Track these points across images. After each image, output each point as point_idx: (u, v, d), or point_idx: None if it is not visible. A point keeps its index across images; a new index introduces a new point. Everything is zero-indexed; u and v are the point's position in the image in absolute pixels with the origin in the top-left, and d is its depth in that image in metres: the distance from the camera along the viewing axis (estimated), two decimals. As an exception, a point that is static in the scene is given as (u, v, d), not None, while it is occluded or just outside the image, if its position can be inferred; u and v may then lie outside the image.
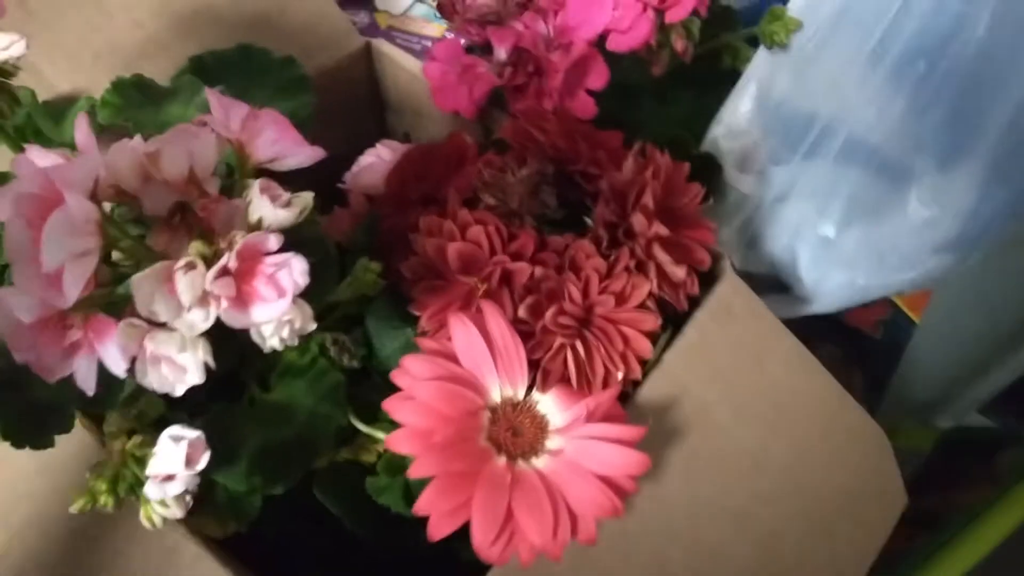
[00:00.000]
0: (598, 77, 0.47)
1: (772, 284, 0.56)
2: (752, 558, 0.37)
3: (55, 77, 0.44)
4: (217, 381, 0.39)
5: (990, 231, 0.47)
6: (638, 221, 0.36)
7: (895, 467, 0.42)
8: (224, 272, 0.27)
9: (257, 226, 0.29)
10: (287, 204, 0.29)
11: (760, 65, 0.51)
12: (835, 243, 0.50)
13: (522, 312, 0.34)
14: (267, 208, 0.28)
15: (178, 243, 0.29)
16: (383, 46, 0.50)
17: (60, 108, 0.42)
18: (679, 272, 0.36)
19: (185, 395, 0.29)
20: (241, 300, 0.27)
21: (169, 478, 0.29)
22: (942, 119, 0.44)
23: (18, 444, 0.31)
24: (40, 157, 0.27)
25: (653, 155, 0.38)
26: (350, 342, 0.39)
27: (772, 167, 0.51)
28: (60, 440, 0.32)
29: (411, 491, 0.37)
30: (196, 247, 0.28)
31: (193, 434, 0.29)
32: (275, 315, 0.28)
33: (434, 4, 0.62)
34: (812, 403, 0.41)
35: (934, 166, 0.45)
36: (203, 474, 0.32)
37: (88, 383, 0.27)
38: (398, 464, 0.37)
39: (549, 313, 0.34)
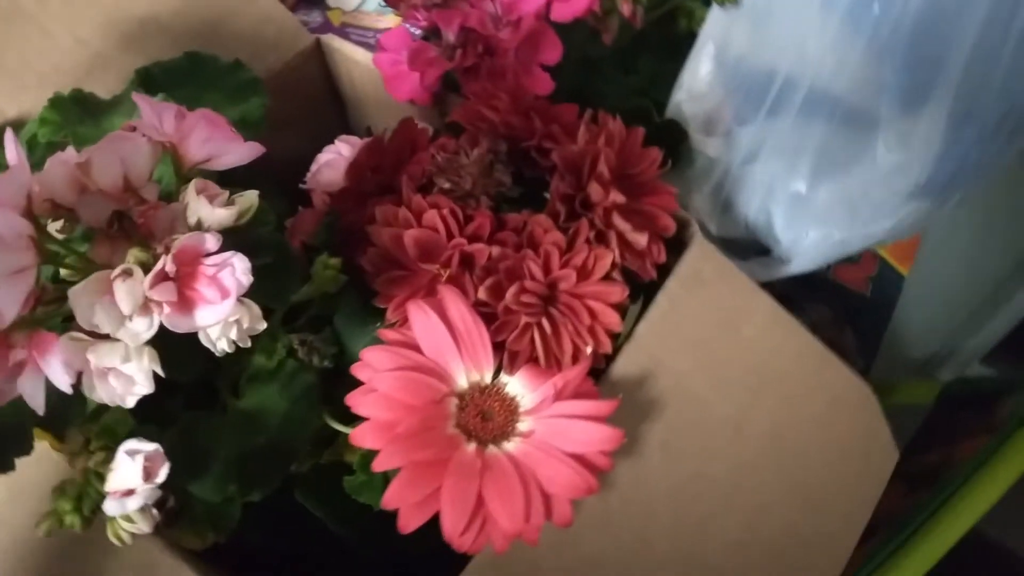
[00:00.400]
0: (551, 51, 0.46)
1: (752, 247, 0.55)
2: (739, 530, 0.37)
3: (0, 102, 0.43)
4: (192, 390, 0.39)
5: (962, 173, 0.46)
6: (594, 191, 0.35)
7: (884, 424, 0.41)
8: (162, 277, 0.26)
9: (197, 228, 0.28)
10: (227, 203, 0.29)
11: (715, 25, 0.50)
12: (808, 199, 0.49)
13: (482, 294, 0.33)
14: (205, 209, 0.28)
15: (120, 253, 0.28)
16: (333, 41, 0.50)
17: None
18: (641, 240, 0.35)
19: (157, 407, 0.29)
20: (183, 304, 0.27)
21: (129, 493, 0.28)
22: (901, 61, 0.43)
23: (-23, 468, 0.30)
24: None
25: (605, 122, 0.37)
26: (318, 342, 0.38)
27: (737, 128, 0.50)
28: (30, 463, 0.31)
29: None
30: (134, 254, 0.27)
31: (150, 447, 0.29)
32: (220, 317, 0.27)
33: (387, -3, 0.61)
34: (793, 365, 0.41)
35: (898, 110, 0.45)
36: (176, 485, 0.32)
37: (36, 402, 0.27)
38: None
39: (510, 292, 0.33)
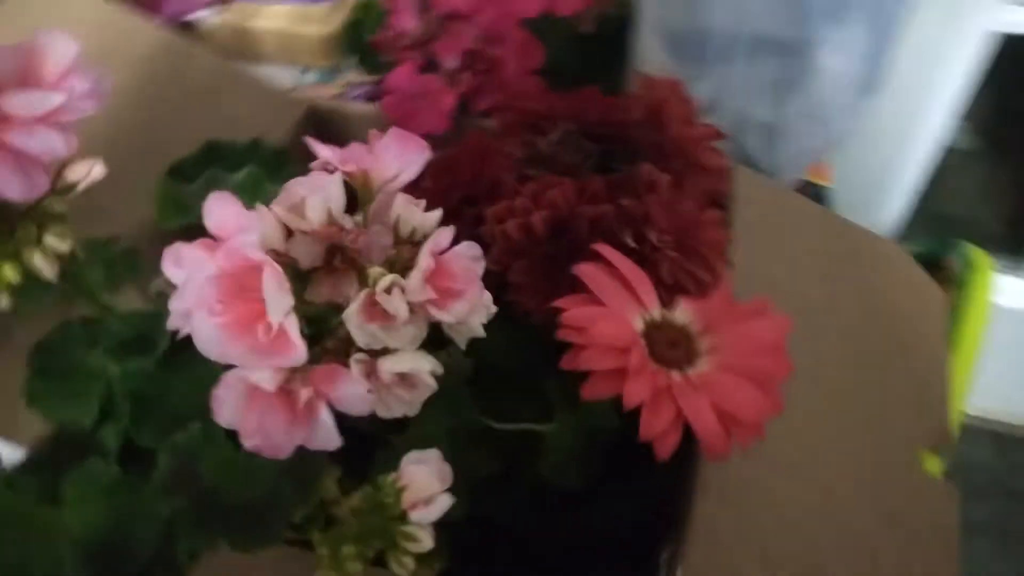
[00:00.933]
0: (536, 57, 0.51)
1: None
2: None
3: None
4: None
5: (886, 66, 0.55)
6: (679, 130, 0.39)
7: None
8: (426, 276, 0.27)
9: (411, 236, 0.30)
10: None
11: (650, 5, 0.57)
12: (776, 124, 0.56)
13: (630, 241, 0.37)
14: (417, 215, 0.29)
15: (341, 286, 0.29)
16: (323, 105, 0.51)
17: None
18: (720, 161, 0.40)
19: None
20: (443, 299, 0.28)
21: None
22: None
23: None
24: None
25: (652, 84, 0.42)
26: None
27: (696, 83, 0.57)
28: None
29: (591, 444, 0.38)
30: (376, 272, 0.28)
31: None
32: (474, 301, 0.28)
33: (326, 64, 0.64)
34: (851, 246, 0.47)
35: (831, 25, 0.53)
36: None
37: (332, 438, 0.27)
38: (567, 433, 0.38)
39: (652, 234, 0.37)
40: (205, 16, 0.62)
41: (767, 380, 0.35)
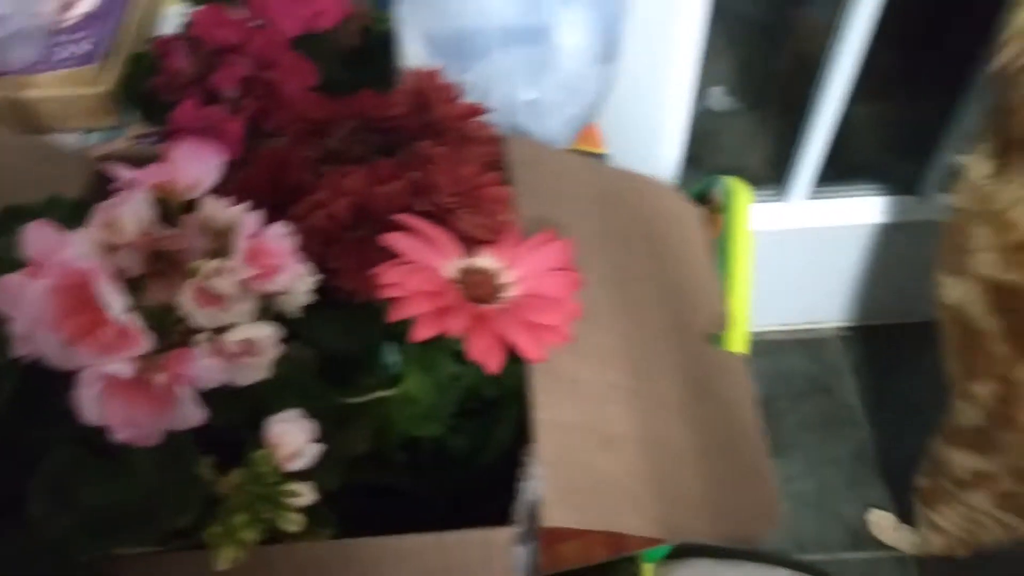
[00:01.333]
0: (309, 75, 0.55)
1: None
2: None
3: None
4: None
5: (619, 39, 0.65)
6: (444, 110, 0.45)
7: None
8: (245, 257, 0.31)
9: (225, 230, 0.33)
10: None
11: (407, 13, 0.63)
12: (541, 100, 0.64)
13: (420, 207, 0.42)
14: (226, 211, 0.33)
15: (173, 286, 0.32)
16: (115, 154, 0.53)
17: None
18: (489, 131, 0.47)
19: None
20: (266, 274, 0.32)
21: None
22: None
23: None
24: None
25: (413, 76, 0.48)
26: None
27: (463, 76, 0.64)
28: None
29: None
30: (199, 263, 0.31)
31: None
32: (294, 270, 0.33)
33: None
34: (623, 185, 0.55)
35: (562, 9, 0.61)
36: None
37: (196, 414, 0.30)
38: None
39: (440, 198, 0.42)
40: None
41: (563, 292, 0.41)
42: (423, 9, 0.63)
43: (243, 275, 0.31)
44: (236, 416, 0.35)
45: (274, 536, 0.35)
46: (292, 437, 0.32)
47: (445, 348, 0.44)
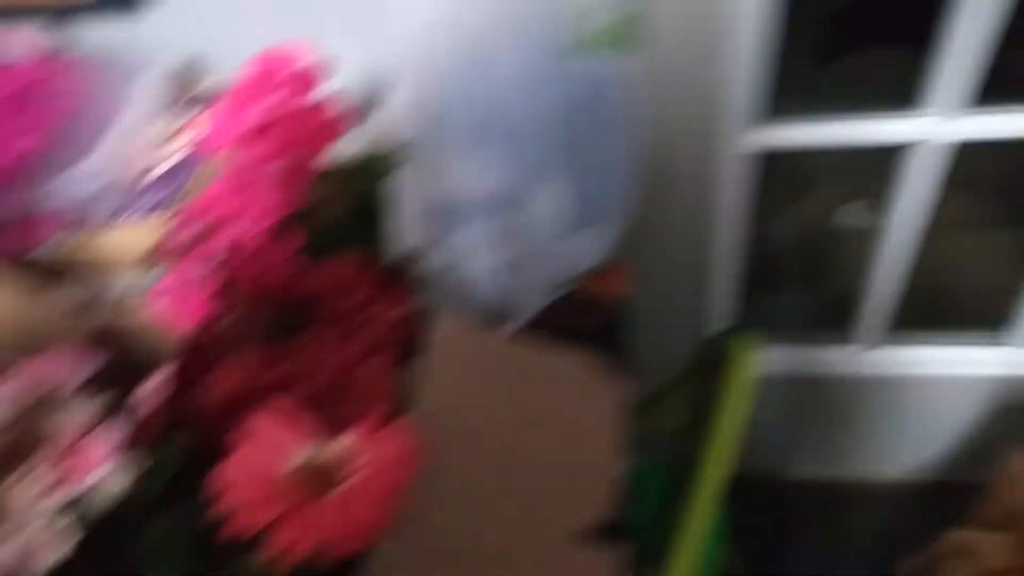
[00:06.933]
0: (294, 243, 0.63)
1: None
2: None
3: None
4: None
5: (611, 205, 0.67)
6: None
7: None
8: (52, 465, 0.38)
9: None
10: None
11: (407, 183, 0.69)
12: (516, 263, 0.67)
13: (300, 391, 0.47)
14: (71, 414, 0.40)
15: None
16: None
17: None
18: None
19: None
20: (78, 475, 0.38)
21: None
22: (523, 155, 0.64)
23: None
24: None
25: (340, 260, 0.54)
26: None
27: (450, 238, 0.69)
28: None
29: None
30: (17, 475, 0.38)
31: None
32: (108, 469, 0.39)
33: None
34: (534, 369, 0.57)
35: (541, 182, 0.65)
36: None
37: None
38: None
39: (309, 385, 0.47)
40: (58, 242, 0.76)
41: (395, 485, 0.45)
42: (423, 180, 0.69)
43: (54, 478, 0.37)
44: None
45: None
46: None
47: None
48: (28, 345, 0.57)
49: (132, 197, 0.80)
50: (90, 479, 0.38)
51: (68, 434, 0.39)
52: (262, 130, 0.63)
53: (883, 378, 1.17)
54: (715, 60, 0.89)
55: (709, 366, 0.80)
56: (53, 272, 0.71)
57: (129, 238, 0.77)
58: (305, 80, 0.67)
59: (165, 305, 0.61)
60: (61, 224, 0.77)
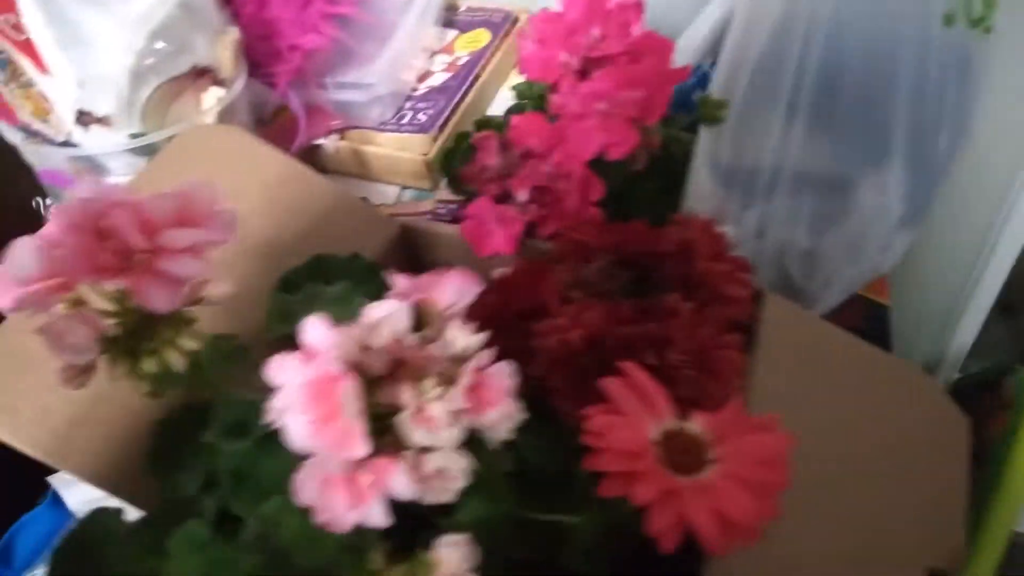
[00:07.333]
0: (597, 190, 0.59)
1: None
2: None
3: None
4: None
5: (927, 204, 0.60)
6: (704, 267, 0.46)
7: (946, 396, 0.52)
8: (466, 390, 0.35)
9: (461, 353, 0.37)
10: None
11: (705, 143, 0.64)
12: (815, 252, 0.61)
13: (650, 360, 0.43)
14: (467, 338, 0.37)
15: (399, 392, 0.37)
16: (418, 224, 0.60)
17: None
18: (742, 292, 0.46)
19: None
20: (478, 408, 0.35)
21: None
22: (859, 133, 0.57)
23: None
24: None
25: (686, 222, 0.49)
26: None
27: (742, 213, 0.63)
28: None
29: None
30: (428, 385, 0.36)
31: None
32: (506, 412, 0.36)
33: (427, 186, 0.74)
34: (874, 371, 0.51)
35: (870, 168, 0.58)
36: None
37: (382, 518, 0.34)
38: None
39: (671, 354, 0.43)
40: (327, 142, 0.74)
41: (766, 488, 0.40)
42: (723, 141, 0.63)
43: (458, 406, 0.34)
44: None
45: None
46: (455, 562, 0.35)
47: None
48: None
49: (404, 108, 0.77)
50: (490, 414, 0.35)
51: (469, 362, 0.35)
52: (589, 63, 0.58)
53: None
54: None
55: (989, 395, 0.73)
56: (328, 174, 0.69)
57: (402, 150, 0.74)
58: (633, 13, 0.61)
59: (469, 232, 0.57)
60: (333, 128, 0.74)
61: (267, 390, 0.42)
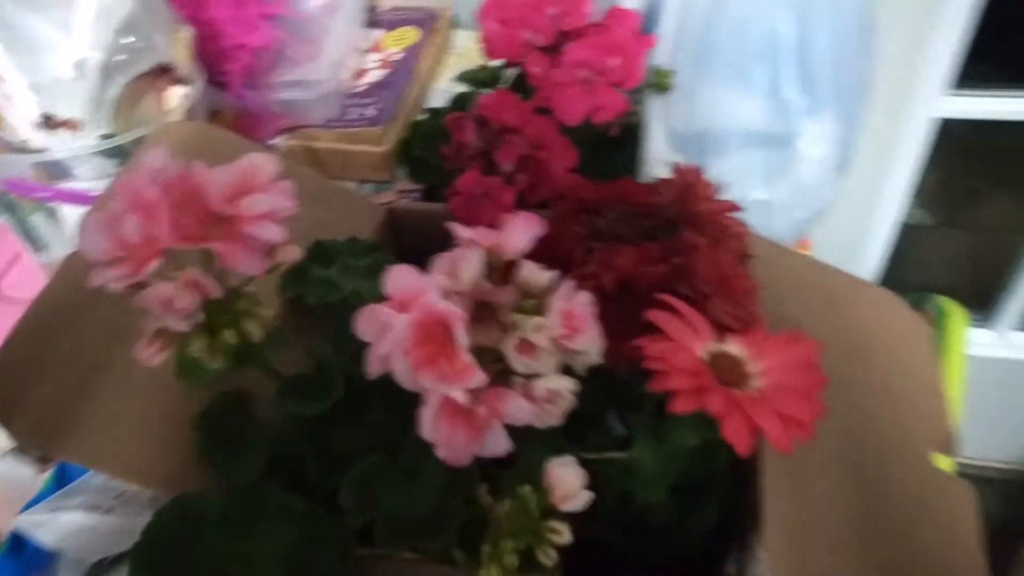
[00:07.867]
0: (571, 158, 0.62)
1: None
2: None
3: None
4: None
5: (854, 149, 0.67)
6: (705, 205, 0.50)
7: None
8: (561, 318, 0.36)
9: (534, 291, 0.39)
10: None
11: (656, 110, 0.68)
12: (771, 201, 0.67)
13: (684, 290, 0.46)
14: (540, 276, 0.39)
15: (489, 331, 0.38)
16: (405, 206, 0.61)
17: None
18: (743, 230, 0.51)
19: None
20: (570, 335, 0.37)
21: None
22: (796, 89, 0.64)
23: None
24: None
25: (679, 170, 0.53)
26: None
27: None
28: None
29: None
30: (521, 319, 0.37)
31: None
32: (593, 335, 0.37)
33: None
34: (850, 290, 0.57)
35: (808, 119, 0.65)
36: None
37: (503, 444, 0.35)
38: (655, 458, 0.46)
39: (700, 284, 0.46)
40: (278, 142, 0.73)
41: (811, 391, 0.44)
42: (674, 108, 0.68)
43: (556, 333, 0.36)
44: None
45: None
46: (569, 481, 0.37)
47: (680, 423, 0.48)
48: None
49: (347, 106, 0.76)
50: (580, 339, 0.37)
51: (550, 295, 0.37)
52: (562, 37, 0.61)
53: None
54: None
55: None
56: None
57: (355, 144, 0.74)
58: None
59: (458, 208, 0.58)
60: (283, 128, 0.73)
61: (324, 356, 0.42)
